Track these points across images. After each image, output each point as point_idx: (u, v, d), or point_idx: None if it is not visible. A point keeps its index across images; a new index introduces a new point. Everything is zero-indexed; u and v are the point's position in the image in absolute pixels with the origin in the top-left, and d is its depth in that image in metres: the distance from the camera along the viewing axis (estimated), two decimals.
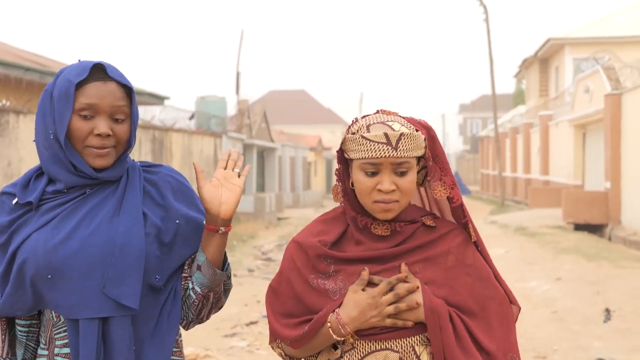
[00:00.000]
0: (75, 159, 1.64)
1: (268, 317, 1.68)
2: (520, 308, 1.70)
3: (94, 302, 1.61)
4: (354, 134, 1.61)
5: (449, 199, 1.66)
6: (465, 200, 23.59)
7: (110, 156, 1.66)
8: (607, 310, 6.81)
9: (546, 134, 23.05)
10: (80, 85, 1.63)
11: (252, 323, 6.54)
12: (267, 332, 5.92)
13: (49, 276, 1.62)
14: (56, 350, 1.66)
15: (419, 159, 1.64)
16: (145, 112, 17.54)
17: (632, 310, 6.85)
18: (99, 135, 1.63)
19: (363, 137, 1.58)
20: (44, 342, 1.69)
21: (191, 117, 19.62)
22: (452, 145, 71.10)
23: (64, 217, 1.65)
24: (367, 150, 1.58)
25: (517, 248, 12.24)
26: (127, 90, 1.67)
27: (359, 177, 1.60)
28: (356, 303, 1.56)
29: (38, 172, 1.73)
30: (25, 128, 10.49)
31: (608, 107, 14.87)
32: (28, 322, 1.71)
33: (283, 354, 1.68)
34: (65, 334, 1.64)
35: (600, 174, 16.28)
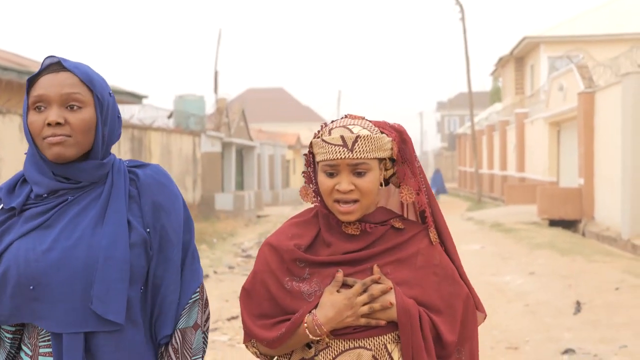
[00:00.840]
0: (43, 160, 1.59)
1: (243, 318, 1.73)
2: (486, 315, 1.79)
3: (77, 316, 1.55)
4: (318, 137, 1.70)
5: (414, 203, 1.74)
6: (443, 196, 23.82)
7: (67, 145, 1.57)
8: (578, 303, 7.02)
9: (522, 131, 23.37)
10: (33, 80, 1.60)
11: (232, 318, 6.65)
12: None
13: (31, 287, 1.56)
14: (40, 359, 1.61)
15: (384, 160, 1.70)
16: (124, 111, 17.52)
17: (602, 302, 7.07)
18: (49, 124, 1.56)
19: (323, 140, 1.67)
20: (29, 347, 1.63)
21: (170, 116, 19.62)
22: (430, 142, 71.59)
23: (47, 225, 1.59)
24: (326, 152, 1.66)
25: (492, 244, 12.47)
26: (87, 81, 1.60)
27: (321, 178, 1.69)
28: (333, 304, 1.63)
29: (24, 177, 1.67)
30: (4, 128, 10.47)
31: (581, 105, 15.15)
32: (14, 329, 1.66)
33: (257, 352, 1.73)
34: (50, 343, 1.59)
35: (575, 170, 16.58)
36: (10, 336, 1.65)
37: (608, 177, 13.85)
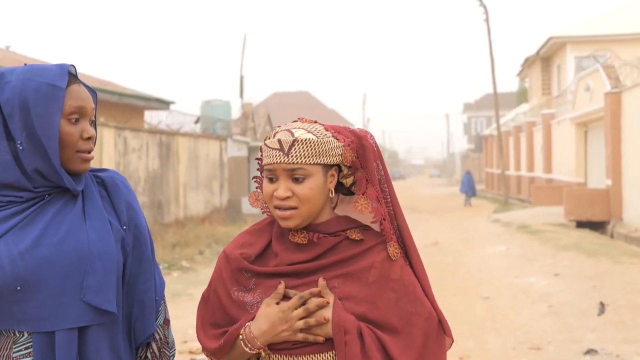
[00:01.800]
0: (63, 174, 1.57)
1: (196, 326, 1.67)
2: (453, 341, 1.66)
3: (71, 312, 1.53)
4: (264, 141, 1.63)
5: (364, 229, 1.63)
6: (472, 199, 23.29)
7: (91, 160, 1.64)
8: (602, 304, 7.02)
9: (548, 132, 23.22)
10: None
11: None
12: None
13: (18, 288, 1.52)
14: None
15: (334, 167, 1.60)
16: (152, 117, 17.84)
17: (626, 303, 7.06)
18: (88, 139, 1.60)
19: (265, 143, 1.61)
20: None
21: (197, 121, 19.91)
22: (457, 144, 71.23)
23: (25, 225, 1.55)
24: (266, 156, 1.59)
25: (518, 245, 12.45)
26: (94, 96, 1.66)
27: (263, 183, 1.62)
28: (267, 316, 1.55)
29: None
30: None
31: (608, 105, 15.05)
32: None
33: None
34: (29, 351, 1.53)
35: (602, 171, 16.45)
36: None
37: (636, 178, 13.74)
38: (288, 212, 1.57)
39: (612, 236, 14.23)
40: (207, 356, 1.64)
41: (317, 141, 1.58)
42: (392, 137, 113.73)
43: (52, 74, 1.56)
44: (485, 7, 26.47)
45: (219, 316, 1.64)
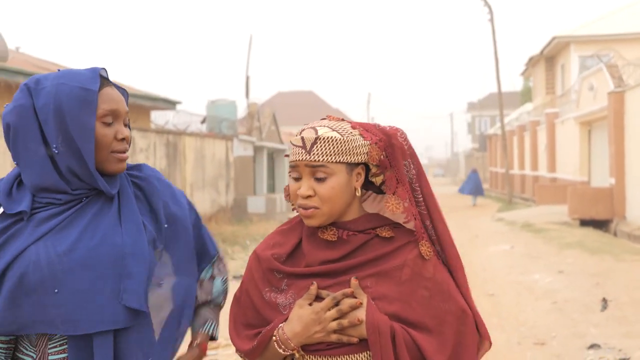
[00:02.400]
0: (97, 177, 1.60)
1: (229, 327, 1.67)
2: (491, 344, 1.63)
3: (106, 314, 1.55)
4: (291, 139, 1.63)
5: (395, 226, 1.61)
6: (479, 198, 23.07)
7: (126, 160, 1.66)
8: (604, 300, 7.15)
9: (552, 131, 23.30)
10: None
11: None
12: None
13: (56, 290, 1.54)
14: None
15: (360, 165, 1.58)
16: (159, 117, 18.00)
17: (629, 300, 7.19)
18: (122, 139, 1.62)
19: (291, 141, 1.61)
20: (32, 358, 1.60)
21: (203, 121, 20.05)
22: (461, 143, 71.27)
23: (63, 227, 1.57)
24: (291, 154, 1.59)
25: (522, 244, 12.56)
26: (126, 98, 1.70)
27: (289, 181, 1.61)
28: (300, 318, 1.54)
29: (18, 180, 1.63)
30: None
31: (611, 104, 15.13)
32: (8, 339, 1.62)
33: None
34: (63, 348, 1.57)
35: (606, 170, 16.54)
36: (5, 346, 1.61)
37: (639, 177, 13.83)
38: (309, 211, 1.56)
39: (615, 234, 14.33)
40: (240, 357, 1.64)
41: (341, 139, 1.55)
42: None
43: (84, 77, 1.59)
44: (489, 7, 26.55)
45: (251, 316, 1.63)
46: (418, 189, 1.61)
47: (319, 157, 1.54)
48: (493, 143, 38.70)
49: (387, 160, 1.59)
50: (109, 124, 1.61)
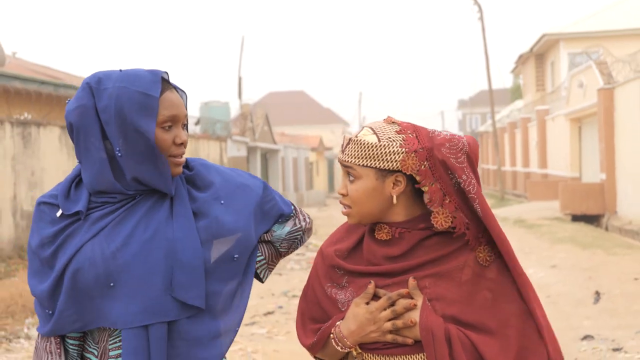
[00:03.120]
0: (162, 174, 1.61)
1: (296, 320, 1.71)
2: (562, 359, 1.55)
3: (158, 307, 1.58)
4: None
5: (452, 228, 1.54)
6: None
7: (183, 163, 1.67)
8: (597, 293, 7.32)
9: (543, 128, 23.53)
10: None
11: (269, 313, 7.09)
12: (282, 320, 6.58)
13: (111, 284, 1.58)
14: None
15: (396, 173, 1.54)
16: None
17: (620, 292, 7.37)
18: (180, 144, 1.63)
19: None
20: (95, 355, 1.64)
21: (197, 123, 20.15)
22: None
23: (117, 224, 1.61)
24: None
25: (515, 239, 12.74)
26: (184, 99, 1.70)
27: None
28: (355, 317, 1.55)
29: (76, 181, 1.67)
30: (45, 139, 11.01)
31: (601, 101, 15.32)
32: (77, 336, 1.66)
33: (313, 355, 1.69)
34: (121, 343, 1.60)
35: (597, 166, 16.74)
36: (77, 342, 1.66)
37: (629, 172, 14.03)
38: (345, 210, 1.60)
39: (606, 229, 14.55)
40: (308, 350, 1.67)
41: (374, 144, 1.53)
42: None
43: (145, 82, 1.58)
44: (479, 6, 26.76)
45: (315, 311, 1.65)
46: (475, 196, 1.52)
47: (348, 158, 1.57)
48: (484, 140, 38.96)
49: (430, 171, 1.53)
50: (168, 129, 1.61)
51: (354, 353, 1.58)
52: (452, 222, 1.53)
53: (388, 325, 1.52)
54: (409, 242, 1.56)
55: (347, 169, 1.57)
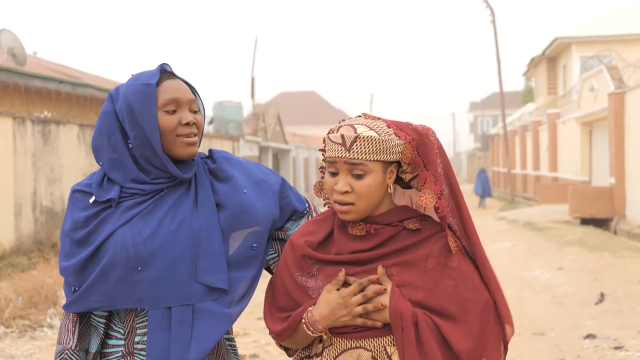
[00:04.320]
0: (165, 160, 1.71)
1: (264, 310, 1.77)
2: (513, 331, 1.69)
3: (183, 290, 1.69)
4: (328, 134, 1.69)
5: (435, 208, 1.65)
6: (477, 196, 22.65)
7: (196, 145, 1.75)
8: (602, 294, 7.48)
9: (554, 131, 23.59)
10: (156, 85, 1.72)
11: None
12: None
13: (139, 268, 1.68)
14: (137, 339, 1.73)
15: (393, 163, 1.64)
16: None
17: (625, 294, 7.52)
18: (187, 124, 1.72)
19: (328, 137, 1.66)
20: (121, 333, 1.75)
21: (210, 122, 20.40)
22: (463, 143, 71.51)
23: (147, 213, 1.71)
24: (328, 150, 1.65)
25: (524, 242, 12.88)
26: (192, 88, 1.79)
27: (325, 176, 1.68)
28: (327, 302, 1.62)
29: (107, 178, 1.78)
30: (64, 137, 11.27)
31: (612, 105, 15.39)
32: (106, 314, 1.77)
33: (278, 344, 1.78)
34: (147, 323, 1.70)
35: (607, 170, 16.82)
36: (103, 321, 1.76)
37: (639, 176, 14.13)
38: (346, 207, 1.63)
39: (615, 233, 14.63)
40: (273, 338, 1.76)
41: (379, 139, 1.61)
42: None
43: (147, 75, 1.73)
44: (491, 9, 26.83)
45: (283, 301, 1.72)
46: (447, 186, 1.68)
47: (358, 155, 1.60)
48: (495, 143, 38.99)
49: (420, 158, 1.65)
50: (172, 112, 1.72)
51: (324, 337, 1.65)
52: (436, 202, 1.63)
53: (359, 309, 1.60)
54: (382, 237, 1.65)
55: (354, 166, 1.61)
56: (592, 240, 12.41)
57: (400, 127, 1.65)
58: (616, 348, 5.53)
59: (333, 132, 1.66)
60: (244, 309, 1.77)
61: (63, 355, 1.74)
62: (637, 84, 14.70)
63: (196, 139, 1.75)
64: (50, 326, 6.46)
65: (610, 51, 20.86)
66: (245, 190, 1.78)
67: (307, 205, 1.91)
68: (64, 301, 7.00)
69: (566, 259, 10.37)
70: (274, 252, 1.87)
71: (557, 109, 24.56)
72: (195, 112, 1.76)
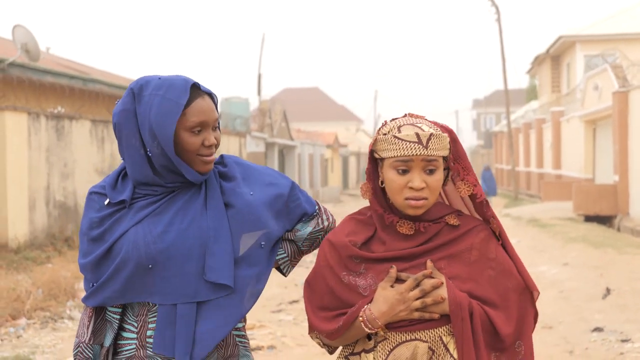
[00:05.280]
0: (183, 168, 1.77)
1: (306, 310, 1.80)
2: (539, 293, 1.80)
3: (191, 288, 1.74)
4: (385, 134, 1.70)
5: (472, 196, 1.75)
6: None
7: (213, 162, 1.82)
8: (607, 289, 7.64)
9: (558, 129, 23.70)
10: (186, 104, 1.75)
11: (294, 302, 7.46)
12: None
13: (150, 266, 1.74)
14: (149, 333, 1.78)
15: (443, 159, 1.73)
16: None
17: (630, 289, 7.67)
18: (209, 146, 1.78)
19: (395, 137, 1.68)
20: (135, 326, 1.80)
21: None
22: (466, 140, 71.59)
23: (158, 213, 1.78)
24: (399, 149, 1.67)
25: (528, 238, 13.02)
26: (215, 103, 1.84)
27: (390, 175, 1.69)
28: (385, 299, 1.66)
29: (122, 174, 1.84)
30: (77, 132, 11.42)
31: (616, 104, 15.51)
32: (120, 309, 1.82)
33: (321, 343, 1.81)
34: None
35: (610, 167, 16.94)
36: (118, 317, 1.82)
37: None
38: (421, 202, 1.69)
39: (618, 229, 14.76)
40: (317, 337, 1.80)
41: (442, 136, 1.70)
42: None
43: (176, 90, 1.74)
44: (497, 7, 26.91)
45: (327, 300, 1.75)
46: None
47: (434, 151, 1.67)
48: (499, 140, 39.09)
49: (452, 152, 1.76)
50: (197, 133, 1.77)
51: (381, 332, 1.69)
52: (473, 190, 1.74)
53: (417, 303, 1.66)
54: (429, 234, 1.72)
55: (429, 162, 1.68)
56: (596, 237, 12.55)
57: (437, 125, 1.74)
58: (623, 341, 5.68)
59: (389, 132, 1.70)
60: (251, 307, 1.81)
61: (78, 348, 1.82)
62: None
63: (214, 157, 1.82)
64: (70, 318, 6.63)
65: (615, 50, 20.96)
66: (251, 193, 1.84)
67: (317, 207, 1.96)
68: (83, 294, 7.18)
69: (571, 255, 10.51)
70: (283, 252, 1.91)
71: (561, 107, 24.67)
72: (215, 129, 1.81)
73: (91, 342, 1.81)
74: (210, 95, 1.82)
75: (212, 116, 1.80)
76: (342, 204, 27.71)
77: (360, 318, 1.69)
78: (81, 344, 1.82)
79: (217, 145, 1.81)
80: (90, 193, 1.85)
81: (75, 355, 1.84)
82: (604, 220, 15.83)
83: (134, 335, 1.79)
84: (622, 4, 27.02)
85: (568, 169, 22.44)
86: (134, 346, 1.79)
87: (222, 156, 1.93)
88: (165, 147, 1.74)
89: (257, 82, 25.07)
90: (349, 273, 1.73)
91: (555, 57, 28.00)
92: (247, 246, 1.80)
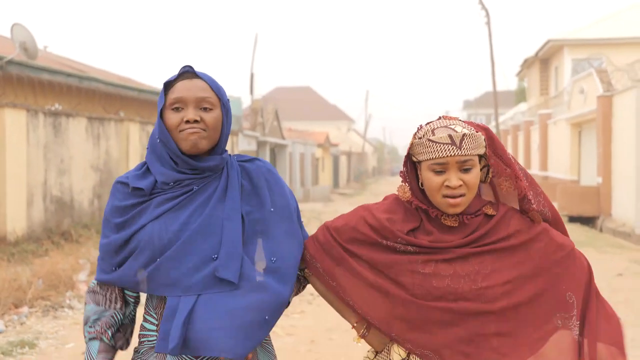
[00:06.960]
0: (170, 145, 1.82)
1: (322, 232, 1.91)
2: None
3: (195, 284, 1.79)
4: (420, 138, 1.77)
5: (519, 189, 1.81)
6: None
7: (202, 138, 1.81)
8: None
9: (545, 131, 24.02)
10: (171, 85, 1.85)
11: None
12: (297, 301, 7.32)
13: (160, 260, 1.81)
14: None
15: (480, 156, 1.78)
16: None
17: (606, 285, 8.01)
18: (187, 121, 1.80)
19: (429, 140, 1.74)
20: (155, 318, 1.87)
21: None
22: None
23: (176, 210, 1.83)
24: (434, 151, 1.73)
25: None
26: (215, 88, 1.86)
27: (428, 176, 1.75)
28: None
29: (146, 166, 1.91)
30: (74, 129, 11.63)
31: (600, 107, 15.79)
32: (136, 295, 1.94)
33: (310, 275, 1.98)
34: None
35: (594, 170, 17.29)
36: (132, 300, 1.94)
37: (625, 176, 14.56)
38: (459, 200, 1.75)
39: (601, 230, 15.09)
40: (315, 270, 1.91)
41: (476, 135, 1.76)
42: (393, 134, 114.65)
43: (170, 78, 1.86)
44: (487, 11, 27.22)
45: (351, 232, 1.85)
46: (520, 168, 1.85)
47: (467, 151, 1.73)
48: None
49: (491, 150, 1.82)
50: (177, 110, 1.82)
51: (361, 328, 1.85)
52: (513, 187, 1.82)
53: None
54: (472, 227, 1.79)
55: (464, 162, 1.74)
56: (579, 236, 12.90)
57: (472, 125, 1.81)
58: None
59: (423, 136, 1.77)
60: (255, 305, 1.82)
61: (109, 312, 1.88)
62: (624, 87, 15.16)
63: (197, 134, 1.81)
64: (70, 307, 6.90)
65: (601, 54, 21.32)
66: (272, 209, 1.90)
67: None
68: (81, 285, 7.44)
69: None
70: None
71: (549, 109, 25.01)
72: (207, 110, 1.82)
73: (121, 310, 1.89)
74: (204, 78, 1.85)
75: (194, 94, 1.81)
76: (333, 202, 27.97)
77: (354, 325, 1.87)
78: (113, 311, 1.89)
79: (213, 129, 1.83)
80: (116, 183, 1.92)
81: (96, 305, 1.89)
82: (588, 221, 16.17)
83: (154, 327, 1.86)
84: (609, 9, 27.41)
85: (554, 170, 22.77)
86: (154, 337, 1.86)
87: (255, 158, 1.98)
88: (158, 127, 1.82)
89: (250, 81, 25.30)
90: (385, 239, 1.80)
91: (543, 60, 28.35)
92: (259, 250, 1.85)
